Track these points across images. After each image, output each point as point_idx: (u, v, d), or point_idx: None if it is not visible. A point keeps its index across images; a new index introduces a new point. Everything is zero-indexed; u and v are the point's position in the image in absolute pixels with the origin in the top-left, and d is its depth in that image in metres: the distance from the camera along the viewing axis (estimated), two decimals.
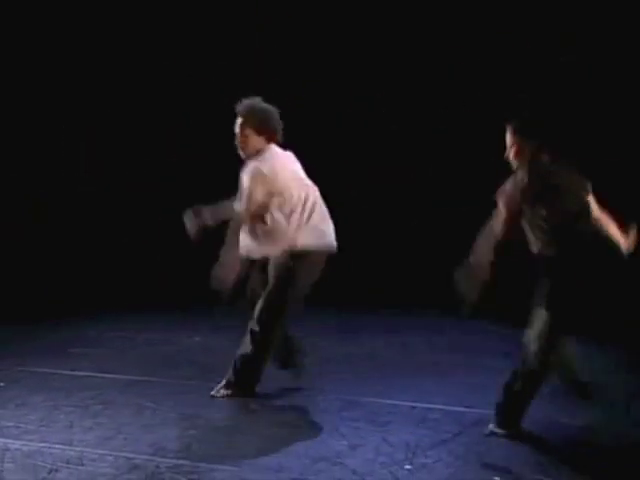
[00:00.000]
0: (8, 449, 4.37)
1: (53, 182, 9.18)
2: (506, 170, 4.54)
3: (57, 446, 4.41)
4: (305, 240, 5.08)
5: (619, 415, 4.92)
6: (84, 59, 9.06)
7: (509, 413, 4.54)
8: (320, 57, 8.75)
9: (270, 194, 5.02)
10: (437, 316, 7.45)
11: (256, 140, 5.14)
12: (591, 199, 4.58)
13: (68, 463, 4.18)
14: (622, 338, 6.51)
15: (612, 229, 4.66)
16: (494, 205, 4.46)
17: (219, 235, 4.99)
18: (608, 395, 4.96)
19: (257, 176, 5.00)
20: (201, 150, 8.95)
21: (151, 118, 9.07)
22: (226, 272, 4.91)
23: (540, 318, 4.42)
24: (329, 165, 8.80)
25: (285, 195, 5.05)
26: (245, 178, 5.03)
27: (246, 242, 5.08)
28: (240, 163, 5.20)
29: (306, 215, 5.09)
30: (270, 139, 5.17)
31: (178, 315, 7.85)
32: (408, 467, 4.20)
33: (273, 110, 5.23)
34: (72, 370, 5.91)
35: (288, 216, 5.05)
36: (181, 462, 4.21)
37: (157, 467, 4.14)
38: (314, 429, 4.73)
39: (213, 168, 8.75)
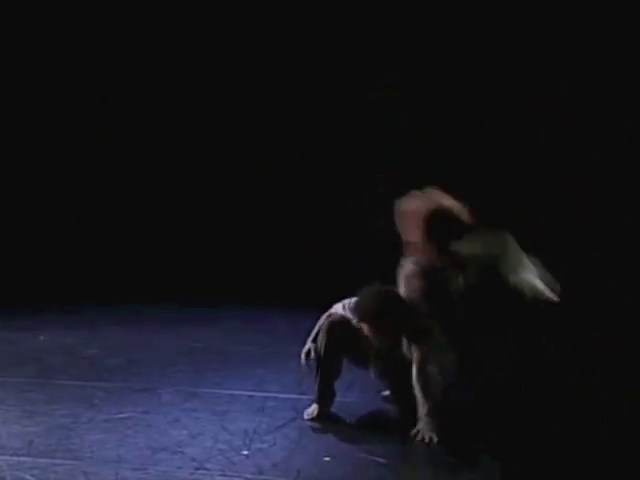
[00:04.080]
0: None
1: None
2: None
3: None
4: None
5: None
6: (84, 60, 8.92)
7: None
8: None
9: None
10: (268, 310, 7.57)
11: None
12: None
13: None
14: None
15: None
16: None
17: None
18: None
19: None
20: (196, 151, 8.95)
21: (150, 117, 8.98)
22: None
23: None
24: None
25: None
26: None
27: None
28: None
29: None
30: None
31: (25, 314, 7.73)
32: (245, 452, 4.41)
33: None
34: None
35: None
36: (22, 459, 4.30)
37: None
38: (155, 421, 4.85)
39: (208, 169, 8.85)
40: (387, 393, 5.02)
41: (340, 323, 4.85)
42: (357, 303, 4.75)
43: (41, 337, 6.83)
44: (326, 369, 4.86)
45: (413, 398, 4.65)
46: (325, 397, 4.91)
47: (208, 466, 4.23)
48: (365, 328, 4.69)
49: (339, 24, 8.55)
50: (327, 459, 4.33)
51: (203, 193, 8.87)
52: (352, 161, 8.61)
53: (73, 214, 8.96)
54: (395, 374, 4.79)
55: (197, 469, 4.20)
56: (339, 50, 8.55)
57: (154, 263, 8.48)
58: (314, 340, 4.93)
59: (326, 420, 4.83)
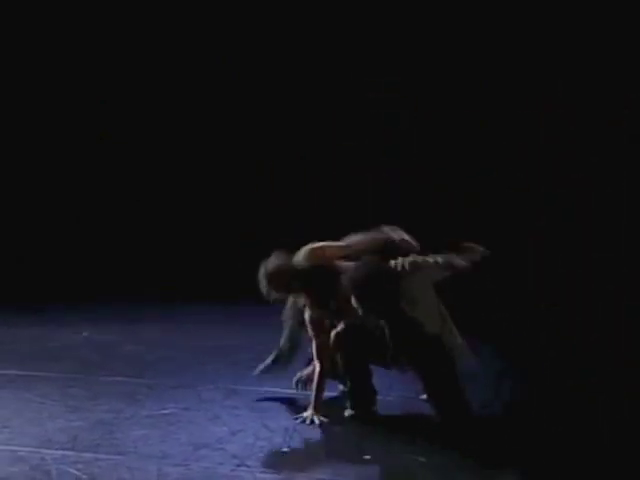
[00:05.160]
0: None
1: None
2: None
3: None
4: None
5: (484, 393, 5.21)
6: (84, 60, 9.01)
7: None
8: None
9: None
10: None
11: None
12: None
13: None
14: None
15: None
16: None
17: None
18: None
19: None
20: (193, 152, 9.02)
21: (151, 117, 9.08)
22: None
23: None
24: None
25: None
26: None
27: None
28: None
29: None
30: None
31: (66, 311, 7.78)
32: (286, 450, 4.42)
33: None
34: None
35: None
36: (67, 453, 4.32)
37: (42, 459, 4.25)
38: (196, 418, 4.86)
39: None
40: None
41: (346, 329, 4.85)
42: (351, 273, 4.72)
43: (84, 333, 6.88)
44: (355, 374, 4.86)
45: (446, 388, 4.69)
46: (363, 399, 4.89)
47: (249, 463, 4.23)
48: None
49: (339, 24, 8.61)
50: (367, 457, 4.32)
51: (217, 192, 8.95)
52: (352, 161, 8.66)
53: (111, 213, 9.05)
54: (414, 359, 4.77)
55: (238, 466, 4.20)
56: (339, 50, 8.62)
57: (190, 263, 8.54)
58: (308, 364, 5.03)
59: (366, 419, 4.82)
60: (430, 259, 4.74)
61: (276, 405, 5.09)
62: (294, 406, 5.04)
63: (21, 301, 7.93)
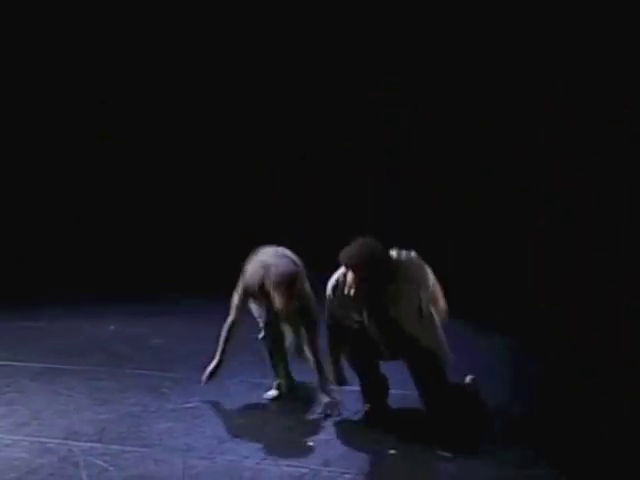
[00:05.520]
0: None
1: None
2: None
3: None
4: None
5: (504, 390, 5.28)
6: (83, 60, 8.98)
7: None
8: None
9: None
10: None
11: None
12: None
13: None
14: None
15: None
16: None
17: None
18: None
19: None
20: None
21: (151, 117, 9.06)
22: None
23: None
24: None
25: None
26: None
27: None
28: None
29: None
30: None
31: (93, 304, 7.71)
32: (311, 443, 4.44)
33: None
34: None
35: None
36: (94, 445, 4.37)
37: (70, 450, 4.29)
38: (221, 411, 4.91)
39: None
40: None
41: (343, 328, 4.86)
42: (347, 250, 4.64)
43: (111, 327, 6.86)
44: (359, 370, 4.88)
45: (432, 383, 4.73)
46: (372, 394, 4.91)
47: (274, 456, 4.26)
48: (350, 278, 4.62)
49: (339, 24, 8.58)
50: (392, 452, 4.35)
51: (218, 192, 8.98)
52: (352, 161, 8.69)
53: (138, 207, 9.05)
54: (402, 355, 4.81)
55: (263, 459, 4.23)
56: (339, 50, 8.59)
57: (214, 259, 8.52)
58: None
59: (391, 413, 4.83)
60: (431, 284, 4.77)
61: (302, 398, 5.10)
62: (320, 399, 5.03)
63: (48, 294, 7.89)
